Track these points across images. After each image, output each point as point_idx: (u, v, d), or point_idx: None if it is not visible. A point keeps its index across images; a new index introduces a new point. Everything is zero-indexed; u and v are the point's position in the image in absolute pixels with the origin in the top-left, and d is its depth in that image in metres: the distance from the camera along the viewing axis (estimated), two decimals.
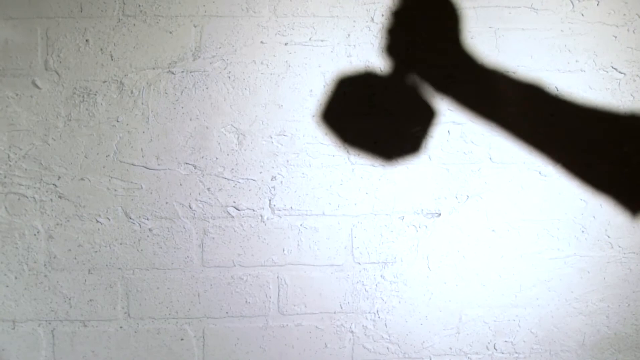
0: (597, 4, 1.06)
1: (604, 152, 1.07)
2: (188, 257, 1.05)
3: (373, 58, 1.04)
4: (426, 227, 1.08)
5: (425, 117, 1.05)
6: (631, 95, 1.08)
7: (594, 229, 1.10)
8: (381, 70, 1.04)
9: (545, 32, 1.06)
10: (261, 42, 1.03)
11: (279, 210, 1.05)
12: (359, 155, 1.05)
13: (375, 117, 1.05)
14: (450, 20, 1.04)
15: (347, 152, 1.05)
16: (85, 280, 1.03)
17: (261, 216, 1.05)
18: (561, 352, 1.13)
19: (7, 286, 1.02)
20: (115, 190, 1.02)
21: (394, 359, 1.10)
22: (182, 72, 1.02)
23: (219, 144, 1.03)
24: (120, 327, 1.05)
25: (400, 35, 1.03)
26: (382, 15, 1.04)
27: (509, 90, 1.05)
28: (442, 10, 1.04)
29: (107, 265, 1.03)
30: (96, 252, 1.03)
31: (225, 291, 1.06)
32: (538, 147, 1.05)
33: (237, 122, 1.03)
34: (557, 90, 1.05)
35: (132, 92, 1.01)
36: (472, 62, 1.04)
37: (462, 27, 1.04)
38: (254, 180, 1.04)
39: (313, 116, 1.04)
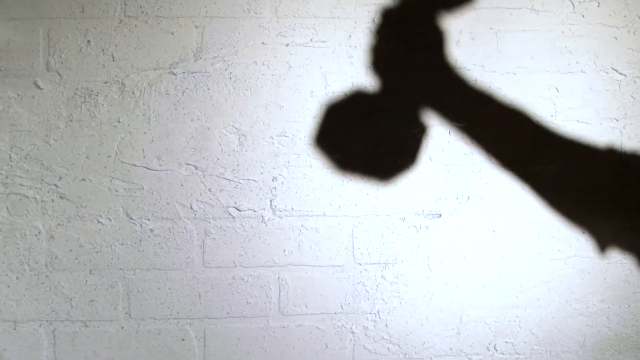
0: (598, 6, 1.06)
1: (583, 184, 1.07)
2: (189, 257, 1.05)
3: None
4: (427, 227, 1.08)
5: (417, 131, 1.05)
6: (631, 96, 1.08)
7: None
8: (370, 89, 1.04)
9: (546, 34, 1.06)
10: (262, 43, 1.03)
11: (280, 211, 1.05)
12: (355, 178, 1.05)
13: (367, 135, 1.04)
14: (436, 42, 1.04)
15: (343, 176, 1.05)
16: (87, 281, 1.04)
17: (262, 217, 1.05)
18: (562, 353, 1.13)
19: (9, 286, 1.02)
20: (116, 190, 1.02)
21: None
22: (184, 72, 1.02)
23: (220, 144, 1.03)
24: (122, 328, 1.05)
25: (387, 49, 1.03)
26: None
27: (496, 112, 1.05)
28: (430, 32, 1.04)
29: (108, 265, 1.03)
30: (97, 252, 1.03)
31: (226, 292, 1.06)
32: (522, 177, 1.06)
33: (238, 122, 1.03)
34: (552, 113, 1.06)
35: (133, 93, 1.01)
36: (462, 83, 1.04)
37: (449, 48, 1.04)
38: (255, 180, 1.05)
39: (314, 117, 1.05)
